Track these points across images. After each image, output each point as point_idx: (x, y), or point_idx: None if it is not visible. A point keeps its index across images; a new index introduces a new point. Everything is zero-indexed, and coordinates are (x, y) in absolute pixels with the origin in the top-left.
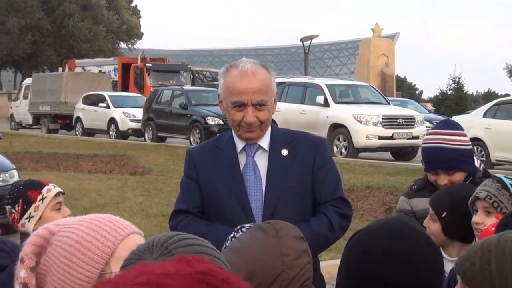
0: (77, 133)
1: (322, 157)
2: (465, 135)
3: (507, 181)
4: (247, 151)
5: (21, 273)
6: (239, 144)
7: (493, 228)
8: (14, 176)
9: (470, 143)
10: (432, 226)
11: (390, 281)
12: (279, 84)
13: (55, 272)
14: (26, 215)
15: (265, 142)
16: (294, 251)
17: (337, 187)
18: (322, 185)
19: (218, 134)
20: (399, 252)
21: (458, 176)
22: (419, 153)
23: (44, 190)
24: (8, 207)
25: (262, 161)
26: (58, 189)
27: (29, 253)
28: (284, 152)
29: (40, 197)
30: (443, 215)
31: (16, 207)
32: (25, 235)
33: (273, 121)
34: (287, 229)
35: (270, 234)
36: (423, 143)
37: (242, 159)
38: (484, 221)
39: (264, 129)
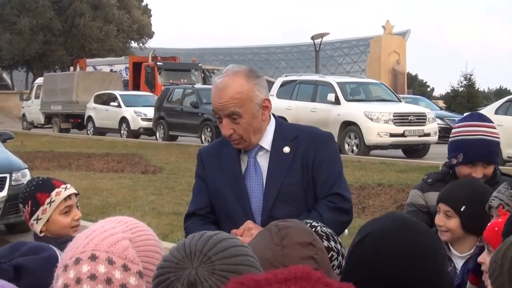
0: (88, 132)
1: (323, 152)
2: (496, 127)
3: None
4: (248, 152)
5: (131, 280)
6: None
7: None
8: (26, 176)
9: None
10: (449, 223)
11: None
12: (290, 82)
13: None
14: (34, 216)
15: (266, 142)
16: (297, 260)
17: (335, 182)
18: (321, 181)
19: None
20: (421, 248)
21: (491, 169)
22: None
23: (53, 193)
24: (21, 205)
25: (264, 161)
26: (69, 191)
27: (135, 258)
28: (286, 149)
29: (48, 200)
30: (462, 209)
31: (26, 207)
32: (36, 235)
33: (284, 119)
34: (293, 235)
35: (275, 241)
36: (461, 135)
37: (245, 160)
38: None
39: (250, 139)
